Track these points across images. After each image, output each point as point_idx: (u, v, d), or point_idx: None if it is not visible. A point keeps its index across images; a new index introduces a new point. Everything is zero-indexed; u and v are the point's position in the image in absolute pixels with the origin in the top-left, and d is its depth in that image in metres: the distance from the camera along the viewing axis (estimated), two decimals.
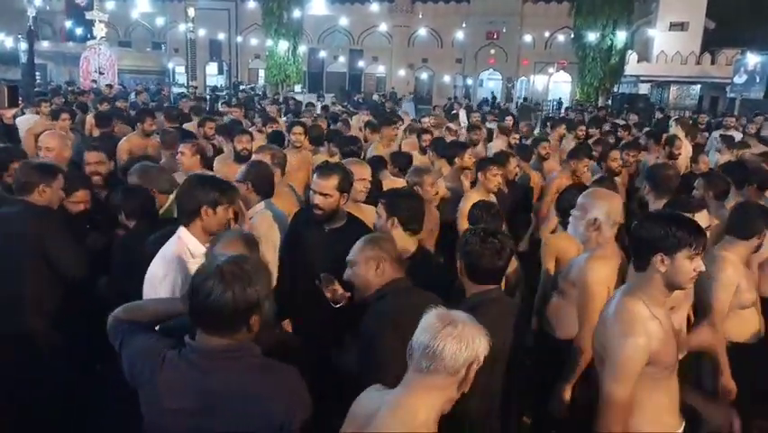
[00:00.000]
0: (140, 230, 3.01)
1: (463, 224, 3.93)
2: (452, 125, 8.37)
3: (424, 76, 35.76)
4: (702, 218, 2.86)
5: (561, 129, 7.89)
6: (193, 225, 2.39)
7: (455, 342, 1.55)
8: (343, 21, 32.71)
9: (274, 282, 2.59)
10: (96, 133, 6.83)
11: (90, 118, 7.84)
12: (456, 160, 4.99)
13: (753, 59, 20.71)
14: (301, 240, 3.00)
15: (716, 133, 9.10)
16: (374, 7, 31.86)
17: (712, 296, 2.85)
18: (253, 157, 3.90)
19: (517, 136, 7.55)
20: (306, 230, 2.99)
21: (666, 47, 24.18)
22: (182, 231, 2.41)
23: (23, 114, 7.78)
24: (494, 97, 29.20)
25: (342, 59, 36.08)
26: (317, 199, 2.86)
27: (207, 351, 1.65)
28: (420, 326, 1.60)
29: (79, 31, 26.78)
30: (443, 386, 1.59)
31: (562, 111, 21.04)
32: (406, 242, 2.77)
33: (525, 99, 28.29)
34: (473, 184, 4.69)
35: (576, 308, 2.72)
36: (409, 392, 1.61)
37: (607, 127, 9.23)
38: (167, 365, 1.68)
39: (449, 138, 6.80)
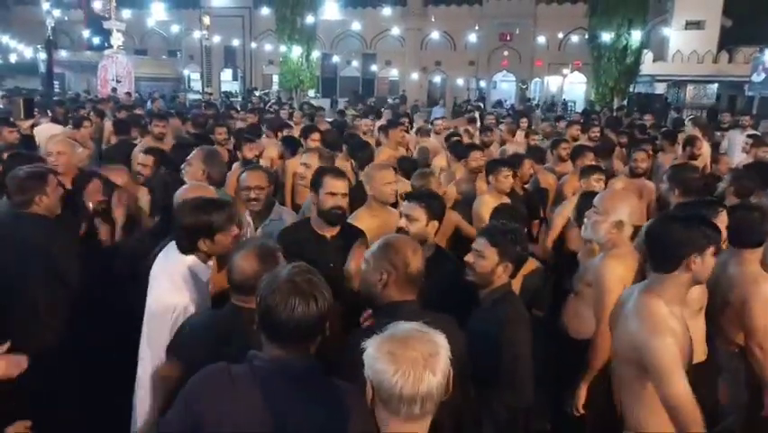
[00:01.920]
0: (154, 232, 3.04)
1: (480, 225, 3.93)
2: (470, 128, 8.39)
3: (437, 79, 35.74)
4: (723, 219, 2.84)
5: (573, 130, 7.86)
6: (196, 254, 2.38)
7: (440, 375, 1.36)
8: (356, 25, 32.82)
9: None
10: (114, 140, 6.94)
11: (108, 125, 7.97)
12: (462, 162, 4.98)
13: None
14: (303, 249, 2.93)
15: (732, 133, 8.96)
16: (386, 11, 31.90)
17: (753, 318, 2.74)
18: (303, 158, 4.00)
19: (524, 138, 7.54)
20: (308, 239, 2.99)
21: (682, 46, 23.93)
22: (187, 259, 2.36)
23: (40, 123, 7.95)
24: (480, 98, 28.96)
25: (355, 63, 36.20)
26: (341, 201, 2.95)
27: (288, 367, 1.62)
28: (392, 375, 1.33)
29: (97, 40, 27.20)
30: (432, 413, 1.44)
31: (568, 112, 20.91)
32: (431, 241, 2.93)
33: (528, 100, 28.23)
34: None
35: (593, 307, 2.72)
36: None
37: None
38: (239, 384, 1.61)
39: (466, 140, 6.84)
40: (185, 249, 2.35)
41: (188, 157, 3.63)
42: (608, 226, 2.72)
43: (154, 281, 2.41)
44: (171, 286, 2.31)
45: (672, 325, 2.03)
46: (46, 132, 6.98)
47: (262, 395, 1.59)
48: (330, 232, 2.98)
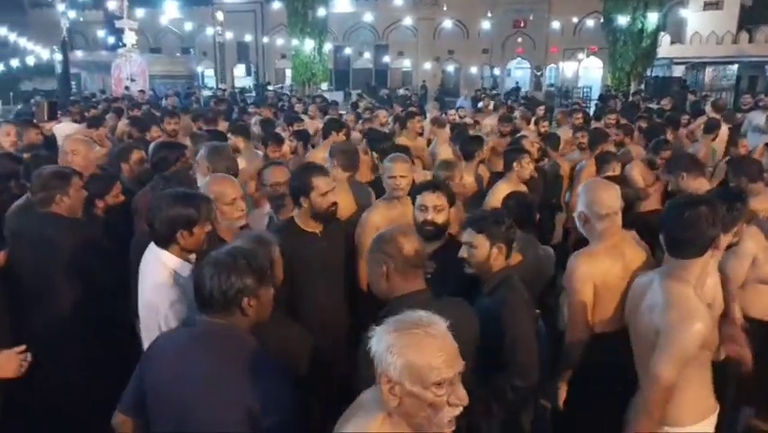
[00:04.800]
0: None
1: None
2: (467, 120, 8.37)
3: (450, 68, 35.52)
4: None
5: (574, 119, 7.81)
6: (171, 248, 2.33)
7: (373, 344, 1.42)
8: (368, 17, 32.71)
9: None
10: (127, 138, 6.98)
11: (123, 125, 8.04)
12: (476, 154, 4.78)
13: None
14: (294, 248, 2.87)
15: (752, 115, 8.76)
16: (398, 1, 31.75)
17: (728, 266, 2.82)
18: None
19: (546, 124, 7.47)
20: (298, 237, 2.94)
21: (700, 27, 23.44)
22: (163, 255, 2.32)
23: (59, 122, 8.04)
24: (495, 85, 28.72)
25: (367, 55, 36.12)
26: (332, 197, 2.95)
27: (201, 327, 1.82)
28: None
29: (113, 39, 27.44)
30: (379, 398, 1.45)
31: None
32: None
33: (551, 85, 27.99)
34: (500, 174, 4.62)
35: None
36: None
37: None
38: (174, 342, 1.87)
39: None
40: (162, 241, 2.33)
41: (197, 155, 3.66)
42: (577, 219, 2.67)
43: (141, 282, 2.39)
44: (152, 286, 2.29)
45: (705, 313, 2.00)
46: (65, 130, 7.08)
47: (180, 350, 1.82)
48: (317, 228, 2.96)
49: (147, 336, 2.31)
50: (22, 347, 2.34)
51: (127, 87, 19.00)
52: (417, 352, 1.36)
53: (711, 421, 2.15)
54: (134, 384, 1.91)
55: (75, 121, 8.48)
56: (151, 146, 4.44)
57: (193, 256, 2.41)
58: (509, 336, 2.26)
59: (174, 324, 2.19)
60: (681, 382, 2.05)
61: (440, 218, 2.86)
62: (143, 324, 2.34)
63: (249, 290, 1.79)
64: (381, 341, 1.39)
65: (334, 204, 2.95)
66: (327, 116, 8.07)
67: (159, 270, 2.30)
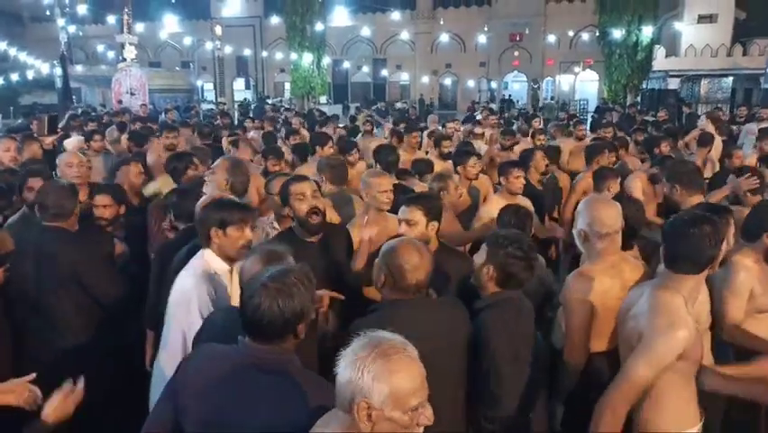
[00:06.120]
0: (183, 236, 3.11)
1: (479, 227, 3.95)
2: (477, 129, 8.40)
3: (447, 81, 35.73)
4: (732, 227, 2.80)
5: (578, 131, 7.84)
6: (212, 247, 2.50)
7: (343, 369, 1.39)
8: (366, 31, 32.95)
9: None
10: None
11: (124, 138, 8.08)
12: (459, 168, 4.80)
13: None
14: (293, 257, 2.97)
15: (747, 126, 8.83)
16: (395, 15, 31.99)
17: (723, 303, 2.75)
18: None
19: (543, 137, 7.51)
20: (294, 246, 2.97)
21: (695, 40, 23.66)
22: (205, 252, 2.52)
23: (69, 137, 8.10)
24: (501, 99, 28.85)
25: (365, 68, 36.35)
26: (311, 201, 2.94)
27: (250, 354, 1.73)
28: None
29: (111, 54, 27.62)
30: (349, 424, 1.42)
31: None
32: (433, 243, 2.93)
33: (551, 98, 28.20)
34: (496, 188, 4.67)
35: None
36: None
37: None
38: (215, 362, 1.76)
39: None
40: (202, 240, 2.53)
41: (213, 165, 3.73)
42: (576, 237, 2.64)
43: (178, 277, 2.51)
44: (187, 274, 2.45)
45: (689, 322, 2.00)
46: (76, 145, 7.12)
47: (225, 377, 1.73)
48: (314, 237, 2.98)
49: (169, 324, 2.43)
50: (32, 376, 2.12)
51: (120, 101, 19.03)
52: (402, 378, 1.36)
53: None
54: (165, 410, 1.79)
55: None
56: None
57: (236, 264, 2.48)
58: (484, 364, 2.22)
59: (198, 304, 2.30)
60: (662, 388, 2.07)
61: (413, 233, 2.83)
62: (169, 312, 2.44)
63: (307, 316, 1.75)
64: (363, 370, 1.36)
65: (315, 210, 2.92)
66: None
67: (194, 263, 2.49)
